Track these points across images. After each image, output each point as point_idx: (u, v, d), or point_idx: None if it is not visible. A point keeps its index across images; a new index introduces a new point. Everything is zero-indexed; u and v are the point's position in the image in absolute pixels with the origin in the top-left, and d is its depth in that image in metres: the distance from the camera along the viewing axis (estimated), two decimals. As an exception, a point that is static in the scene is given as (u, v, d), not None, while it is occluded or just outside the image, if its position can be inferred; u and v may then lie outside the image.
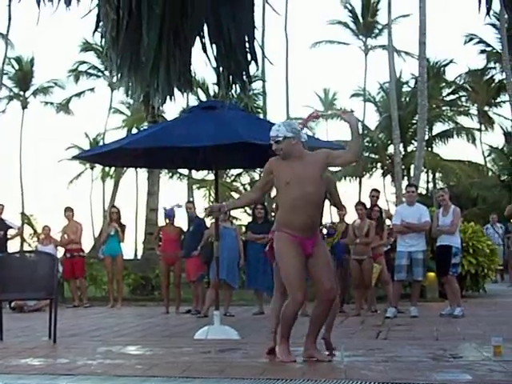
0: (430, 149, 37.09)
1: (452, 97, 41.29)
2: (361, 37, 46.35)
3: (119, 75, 5.85)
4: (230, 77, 6.05)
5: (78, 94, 49.81)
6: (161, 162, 12.03)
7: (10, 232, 16.18)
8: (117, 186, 46.31)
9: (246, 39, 5.97)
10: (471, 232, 15.45)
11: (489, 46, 39.61)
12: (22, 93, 50.05)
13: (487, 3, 5.15)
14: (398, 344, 8.08)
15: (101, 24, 5.69)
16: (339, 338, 7.82)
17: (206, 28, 5.84)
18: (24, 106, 50.01)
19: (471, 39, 39.66)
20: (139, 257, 29.99)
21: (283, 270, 6.48)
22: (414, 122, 33.53)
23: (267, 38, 44.57)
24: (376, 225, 12.38)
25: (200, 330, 9.44)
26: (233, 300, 13.52)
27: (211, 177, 29.50)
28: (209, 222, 14.31)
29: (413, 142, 35.38)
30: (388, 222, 13.26)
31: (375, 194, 13.44)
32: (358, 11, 44.99)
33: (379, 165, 39.32)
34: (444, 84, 41.11)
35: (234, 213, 28.46)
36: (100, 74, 48.30)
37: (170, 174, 37.25)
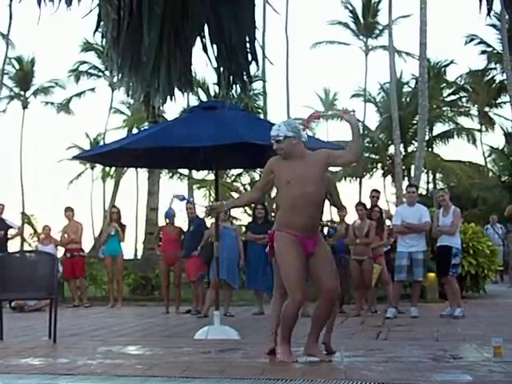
0: (430, 149, 37.09)
1: (452, 97, 41.30)
2: (361, 37, 46.34)
3: (120, 75, 5.86)
4: (231, 77, 6.06)
5: (79, 94, 49.81)
6: (161, 162, 12.03)
7: (11, 232, 16.19)
8: (117, 186, 46.32)
9: (247, 39, 5.98)
10: (471, 233, 15.45)
11: (489, 46, 39.62)
12: (22, 93, 50.05)
13: (488, 3, 5.15)
14: (398, 344, 8.08)
15: (101, 24, 5.69)
16: (339, 339, 7.82)
17: (206, 28, 5.84)
18: (24, 106, 50.01)
19: (472, 40, 39.67)
20: (139, 257, 30.00)
21: (283, 269, 6.48)
22: (415, 122, 33.52)
23: (268, 38, 44.50)
24: (376, 225, 12.38)
25: (200, 330, 9.44)
26: (233, 300, 13.52)
27: (211, 177, 29.49)
28: (209, 222, 14.33)
29: (413, 142, 35.38)
30: (388, 222, 13.26)
31: (375, 194, 13.44)
32: (359, 11, 45.00)
33: (379, 165, 39.32)
34: (444, 84, 41.11)
35: (234, 213, 28.51)
36: (101, 73, 48.30)
37: (171, 174, 37.25)
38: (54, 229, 16.54)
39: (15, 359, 6.99)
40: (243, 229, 15.19)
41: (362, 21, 45.10)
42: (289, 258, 6.40)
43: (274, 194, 18.65)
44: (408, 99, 38.23)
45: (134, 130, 35.54)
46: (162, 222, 15.82)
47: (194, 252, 13.07)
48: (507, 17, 23.86)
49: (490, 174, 39.59)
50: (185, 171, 35.13)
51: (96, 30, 5.78)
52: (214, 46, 5.90)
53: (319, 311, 6.55)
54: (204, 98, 34.08)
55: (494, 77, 40.67)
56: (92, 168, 51.75)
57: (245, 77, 6.12)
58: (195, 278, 13.30)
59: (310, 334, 6.59)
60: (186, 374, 5.96)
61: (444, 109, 40.05)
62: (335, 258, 6.67)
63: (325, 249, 6.65)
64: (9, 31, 33.89)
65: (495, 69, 40.18)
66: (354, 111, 6.74)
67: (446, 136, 39.15)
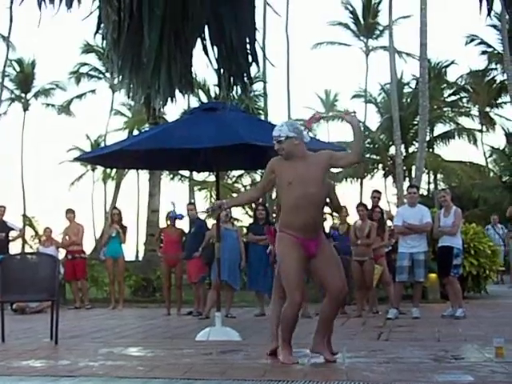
0: (431, 150, 37.06)
1: (453, 98, 41.25)
2: (362, 38, 46.31)
3: (120, 77, 5.85)
4: (231, 78, 6.05)
5: (79, 96, 49.81)
6: (162, 164, 12.03)
7: (12, 234, 16.20)
8: (118, 188, 46.33)
9: (247, 41, 5.97)
10: (473, 233, 15.44)
11: (490, 46, 39.59)
12: (23, 95, 50.04)
13: (488, 4, 5.15)
14: (399, 345, 8.08)
15: (102, 26, 5.68)
16: (341, 340, 7.82)
17: (206, 30, 5.84)
18: (25, 108, 50.00)
19: (472, 40, 39.64)
20: (140, 258, 29.99)
21: (283, 270, 6.49)
22: (415, 123, 33.47)
23: (268, 39, 44.51)
24: (377, 226, 12.39)
25: (201, 332, 9.44)
26: (234, 301, 13.51)
27: (212, 178, 29.48)
28: (210, 223, 14.34)
29: (414, 143, 35.34)
30: (389, 223, 13.26)
31: (376, 195, 13.45)
32: (359, 12, 44.96)
33: (380, 166, 39.28)
34: (445, 85, 41.08)
35: (235, 214, 28.50)
36: (101, 75, 48.32)
37: (171, 176, 37.23)
38: (56, 231, 16.60)
39: (16, 361, 7.00)
40: (244, 230, 15.20)
41: (362, 21, 45.07)
42: (289, 259, 6.41)
43: (274, 194, 18.65)
44: (409, 100, 38.20)
45: (135, 132, 35.56)
46: (163, 223, 15.82)
47: (195, 253, 13.08)
48: (507, 17, 23.85)
49: (491, 174, 39.57)
50: (186, 173, 35.13)
51: (96, 32, 5.78)
52: (215, 47, 5.89)
53: (326, 310, 6.56)
54: (205, 99, 34.09)
55: (494, 77, 40.64)
56: (93, 170, 51.76)
57: (245, 78, 6.12)
58: (196, 279, 13.30)
59: (316, 332, 6.60)
60: (188, 375, 5.96)
61: (445, 109, 40.02)
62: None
63: (329, 249, 6.65)
64: (9, 33, 33.91)
65: (496, 69, 40.17)
66: (354, 112, 6.75)
67: (446, 136, 39.12)
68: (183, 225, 14.34)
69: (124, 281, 15.86)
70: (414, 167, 29.02)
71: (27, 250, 24.38)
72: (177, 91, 5.93)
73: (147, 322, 12.57)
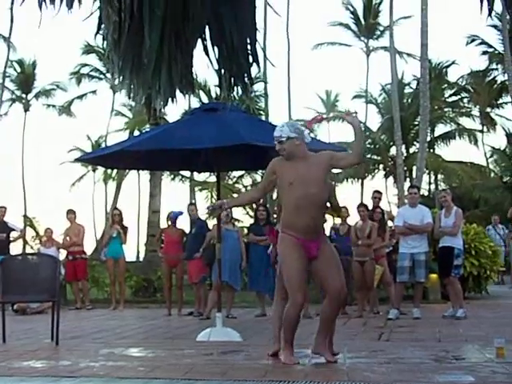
0: (432, 150, 37.07)
1: (454, 98, 41.26)
2: (362, 38, 46.31)
3: (121, 77, 5.85)
4: (232, 79, 6.05)
5: (80, 97, 49.83)
6: (163, 164, 12.04)
7: (13, 234, 16.19)
8: (119, 188, 46.33)
9: (248, 41, 5.97)
10: (473, 233, 15.44)
11: (491, 47, 39.58)
12: (24, 95, 50.06)
13: (489, 4, 5.14)
14: (400, 346, 8.08)
15: (102, 26, 5.68)
16: (342, 340, 7.81)
17: (207, 30, 5.84)
18: (26, 109, 50.03)
19: (473, 40, 39.63)
20: (141, 259, 30.01)
21: (285, 271, 6.50)
22: (416, 123, 33.49)
23: (269, 39, 44.47)
24: (378, 226, 12.39)
25: (202, 332, 9.44)
26: (235, 302, 13.51)
27: (213, 179, 29.50)
28: (211, 224, 14.34)
29: (415, 143, 35.36)
30: (390, 223, 13.26)
31: (377, 195, 13.45)
32: (360, 13, 44.95)
33: (381, 166, 39.30)
34: (446, 85, 41.08)
35: (235, 215, 28.47)
36: (102, 76, 48.32)
37: (172, 176, 37.24)
38: (56, 231, 16.59)
39: (17, 362, 7.00)
40: (245, 230, 15.20)
41: (363, 22, 45.06)
42: (291, 260, 6.42)
43: (275, 195, 18.65)
44: (409, 100, 38.20)
45: (136, 133, 35.58)
46: (163, 223, 15.83)
47: (196, 254, 13.08)
48: (508, 17, 23.84)
49: (492, 174, 39.58)
50: (186, 173, 35.16)
51: (97, 33, 5.77)
52: (215, 47, 5.89)
53: (326, 311, 6.57)
54: (205, 99, 34.10)
55: (495, 77, 40.63)
56: (94, 170, 51.78)
57: (246, 78, 6.11)
58: (197, 279, 13.30)
59: (317, 333, 6.60)
60: (189, 375, 5.97)
61: (445, 110, 40.02)
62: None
63: (330, 250, 6.64)
64: (10, 34, 33.93)
65: (496, 69, 40.15)
66: (356, 113, 6.75)
67: (447, 137, 39.13)
68: (184, 225, 14.36)
69: (125, 281, 15.86)
70: (414, 168, 29.00)
71: (28, 250, 24.35)
72: (177, 92, 5.93)
73: (148, 323, 12.57)
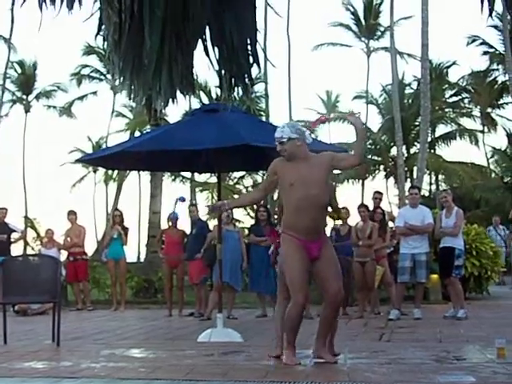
0: (432, 151, 37.07)
1: (455, 98, 41.25)
2: (363, 39, 46.28)
3: (121, 78, 5.84)
4: (232, 79, 6.04)
5: (81, 98, 49.85)
6: (163, 165, 12.04)
7: (14, 235, 16.19)
8: (120, 189, 46.33)
9: (248, 42, 5.96)
10: (474, 234, 15.44)
11: (492, 47, 39.58)
12: (24, 97, 50.07)
13: (489, 4, 5.14)
14: (401, 346, 8.08)
15: (103, 27, 5.68)
16: (342, 341, 7.81)
17: (207, 31, 5.84)
18: (27, 110, 50.03)
19: (474, 41, 39.62)
20: (142, 260, 30.04)
21: (287, 272, 6.51)
22: (417, 123, 33.46)
23: (269, 40, 44.52)
24: (379, 227, 12.38)
25: (203, 333, 9.45)
26: (236, 303, 13.52)
27: (214, 179, 29.47)
28: (212, 224, 14.34)
29: (415, 143, 35.35)
30: (391, 224, 13.26)
31: (378, 196, 13.44)
32: (360, 13, 44.93)
33: (382, 167, 39.30)
34: (447, 86, 41.07)
35: (236, 215, 28.47)
36: (102, 77, 48.32)
37: (173, 177, 37.24)
38: (57, 232, 16.57)
39: (19, 363, 7.00)
40: (246, 231, 15.19)
41: (363, 22, 45.03)
42: (292, 261, 6.43)
43: (276, 196, 18.64)
44: (410, 101, 38.19)
45: (137, 133, 35.56)
46: (164, 224, 15.83)
47: (196, 255, 13.08)
48: (509, 17, 23.84)
49: (493, 175, 39.57)
50: (187, 174, 35.15)
51: (97, 34, 5.77)
52: (216, 48, 5.89)
53: (325, 313, 6.58)
54: (206, 100, 34.10)
55: (496, 78, 40.62)
56: (94, 171, 51.74)
57: (246, 79, 6.11)
58: (198, 280, 13.31)
59: (317, 336, 6.61)
60: (190, 376, 5.97)
61: (446, 110, 40.02)
62: (339, 259, 6.68)
63: (330, 252, 6.64)
64: (11, 35, 33.92)
65: (497, 70, 40.13)
66: (359, 113, 6.75)
67: (448, 137, 39.13)
68: (185, 226, 14.36)
69: (126, 282, 15.87)
70: (415, 168, 28.96)
71: (29, 251, 24.31)
72: (178, 92, 5.93)
73: (149, 324, 12.58)
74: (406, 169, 31.04)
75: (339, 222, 12.78)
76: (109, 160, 10.56)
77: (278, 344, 6.98)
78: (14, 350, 8.07)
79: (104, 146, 43.82)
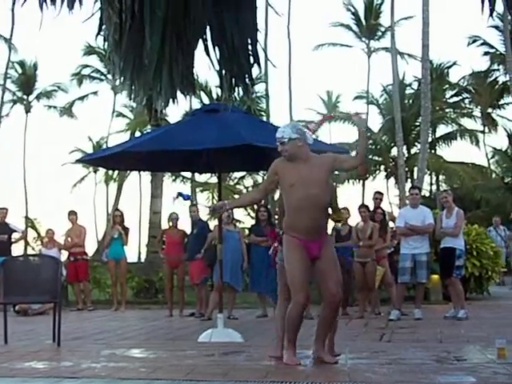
0: (433, 151, 37.05)
1: (455, 99, 41.24)
2: (364, 39, 46.25)
3: (122, 78, 5.85)
4: (233, 79, 6.05)
5: (82, 98, 49.88)
6: (164, 165, 12.04)
7: (14, 236, 16.19)
8: (120, 190, 46.33)
9: (249, 42, 5.97)
10: (475, 234, 15.44)
11: (492, 47, 39.57)
12: (25, 97, 50.08)
13: (490, 4, 5.14)
14: (401, 346, 8.07)
15: (103, 27, 5.68)
16: (343, 341, 7.82)
17: (208, 31, 5.84)
18: (27, 110, 50.03)
19: (474, 41, 39.62)
20: (143, 260, 29.98)
21: (288, 272, 6.52)
22: (418, 124, 33.45)
23: (270, 40, 44.48)
24: (379, 227, 12.39)
25: (204, 333, 9.45)
26: (236, 303, 13.52)
27: (214, 180, 29.46)
28: (212, 224, 14.34)
29: (416, 144, 35.34)
30: (391, 224, 13.25)
31: (378, 196, 13.44)
32: (361, 13, 44.91)
33: (382, 167, 39.29)
34: (447, 86, 41.05)
35: (237, 216, 28.47)
36: (103, 77, 48.36)
37: (174, 177, 37.25)
38: (58, 232, 16.57)
39: (19, 363, 7.00)
40: (246, 231, 15.19)
41: (364, 23, 45.01)
42: (293, 261, 6.44)
43: (276, 196, 18.65)
44: (411, 101, 38.17)
45: (137, 134, 35.55)
46: (165, 224, 15.83)
47: (197, 255, 13.08)
48: (510, 18, 23.83)
49: (493, 175, 39.57)
50: (188, 174, 35.15)
51: (98, 34, 5.77)
52: (216, 48, 5.90)
53: (324, 313, 6.60)
54: (206, 100, 34.09)
55: (496, 78, 40.60)
56: (95, 171, 51.73)
57: (247, 79, 6.11)
58: (199, 280, 13.31)
59: (316, 336, 6.62)
60: (190, 376, 5.97)
61: (447, 110, 40.00)
62: (339, 259, 6.69)
63: (331, 252, 6.64)
64: (11, 35, 33.93)
65: (498, 70, 40.13)
66: (363, 113, 6.75)
67: (448, 138, 39.11)
68: (185, 226, 14.36)
69: (126, 282, 15.87)
70: (416, 168, 28.93)
71: (29, 251, 24.30)
72: (178, 92, 5.93)
73: (149, 324, 12.58)
74: (406, 169, 31.02)
75: (339, 224, 12.78)
76: (109, 160, 10.55)
77: (278, 344, 6.98)
78: (14, 350, 8.07)
79: (104, 146, 43.81)
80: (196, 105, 32.08)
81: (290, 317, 6.52)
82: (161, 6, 5.43)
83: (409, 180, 33.33)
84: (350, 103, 67.70)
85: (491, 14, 5.22)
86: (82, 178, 53.28)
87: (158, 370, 6.39)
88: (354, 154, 6.87)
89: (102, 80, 48.73)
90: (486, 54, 40.08)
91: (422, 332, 9.87)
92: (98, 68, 47.97)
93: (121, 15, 5.44)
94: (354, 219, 12.89)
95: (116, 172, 43.33)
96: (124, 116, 48.71)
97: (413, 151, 37.00)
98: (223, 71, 6.00)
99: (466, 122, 40.69)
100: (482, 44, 39.75)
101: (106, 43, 5.82)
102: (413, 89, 39.44)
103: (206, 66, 5.91)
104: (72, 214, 15.95)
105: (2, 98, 36.49)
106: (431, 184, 41.13)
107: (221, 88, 6.35)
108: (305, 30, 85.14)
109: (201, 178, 35.30)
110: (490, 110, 40.94)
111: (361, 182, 40.39)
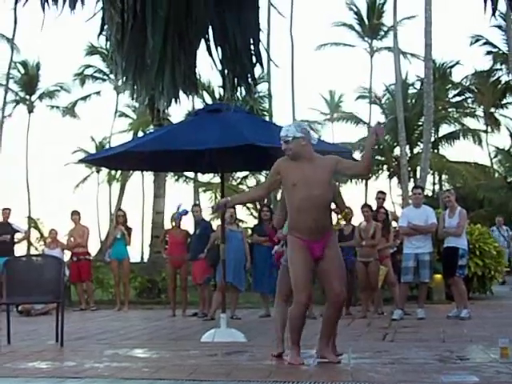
0: (436, 150, 37.05)
1: (458, 98, 41.25)
2: (366, 39, 46.25)
3: (124, 78, 5.85)
4: (236, 79, 6.04)
5: (84, 98, 49.91)
6: (167, 165, 12.05)
7: (17, 236, 16.21)
8: (123, 190, 46.40)
9: (252, 42, 5.96)
10: (478, 234, 15.43)
11: (495, 47, 39.56)
12: (28, 97, 50.13)
13: (493, 4, 5.14)
14: (404, 346, 8.07)
15: (105, 27, 5.68)
16: (346, 341, 7.82)
17: (211, 31, 5.84)
18: (30, 110, 50.09)
19: (477, 40, 39.61)
20: (146, 260, 30.03)
21: (291, 272, 6.53)
22: (420, 123, 33.50)
23: (272, 40, 44.42)
24: (382, 227, 12.38)
25: (207, 333, 9.45)
26: (239, 303, 13.52)
27: (217, 180, 29.48)
28: (215, 224, 14.33)
29: (419, 143, 35.38)
30: (394, 224, 13.25)
31: (381, 196, 13.43)
32: (364, 13, 44.91)
33: (385, 167, 39.30)
34: (450, 85, 41.04)
35: (240, 215, 28.50)
36: (105, 77, 48.40)
37: (176, 177, 37.28)
38: (61, 232, 16.59)
39: (22, 363, 7.01)
40: (249, 231, 15.19)
41: (366, 22, 45.00)
42: (296, 261, 6.45)
43: (279, 196, 18.64)
44: (413, 101, 38.20)
45: (140, 134, 35.59)
46: (168, 225, 15.83)
47: (200, 255, 13.08)
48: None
49: (496, 174, 39.56)
50: (190, 174, 35.17)
51: (100, 34, 5.77)
52: (219, 48, 5.89)
53: (328, 313, 6.60)
54: (209, 100, 34.10)
55: (499, 77, 40.60)
56: (98, 171, 51.76)
57: (249, 79, 6.11)
58: (201, 280, 13.30)
59: (320, 336, 6.62)
60: (193, 376, 5.97)
61: (450, 110, 40.02)
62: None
63: (335, 252, 6.63)
64: (14, 35, 34.02)
65: (501, 69, 40.12)
66: (382, 124, 6.74)
67: (451, 137, 39.12)
68: (188, 226, 14.36)
69: (129, 282, 15.87)
70: (418, 168, 28.98)
71: (32, 251, 24.33)
72: (181, 92, 5.93)
73: (152, 324, 12.58)
74: (409, 169, 31.02)
75: (343, 222, 12.78)
76: (112, 160, 10.56)
77: (278, 345, 7.00)
78: (17, 350, 8.08)
79: (107, 146, 43.90)
80: (198, 105, 32.10)
81: (292, 317, 6.53)
82: (163, 6, 5.43)
83: (412, 179, 33.37)
84: (352, 103, 67.58)
85: (494, 14, 5.21)
86: (84, 178, 53.34)
87: (161, 369, 6.39)
88: (359, 157, 6.84)
89: (104, 80, 48.79)
90: (488, 53, 40.08)
91: (425, 331, 9.86)
92: (100, 68, 48.05)
93: (123, 15, 5.44)
94: (357, 219, 12.90)
95: (119, 172, 43.40)
96: (127, 116, 48.77)
97: (416, 151, 37.02)
98: (226, 71, 6.00)
99: (469, 122, 40.76)
100: (485, 43, 39.76)
101: (108, 43, 5.83)
102: (415, 88, 39.48)
103: (208, 65, 5.91)
104: (75, 214, 15.96)
105: (5, 98, 36.57)
106: (434, 183, 41.17)
107: (223, 88, 6.35)
108: (307, 29, 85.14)
109: (203, 177, 35.36)
110: (492, 110, 40.94)
111: (363, 181, 40.39)
